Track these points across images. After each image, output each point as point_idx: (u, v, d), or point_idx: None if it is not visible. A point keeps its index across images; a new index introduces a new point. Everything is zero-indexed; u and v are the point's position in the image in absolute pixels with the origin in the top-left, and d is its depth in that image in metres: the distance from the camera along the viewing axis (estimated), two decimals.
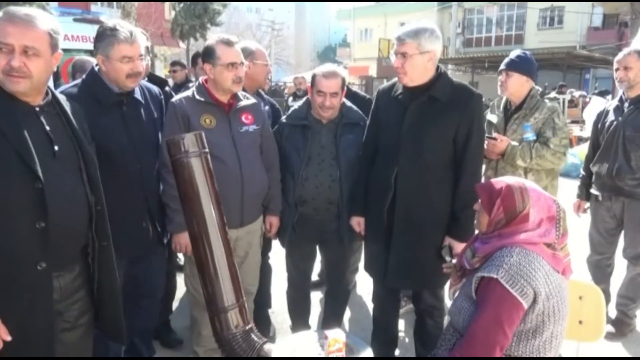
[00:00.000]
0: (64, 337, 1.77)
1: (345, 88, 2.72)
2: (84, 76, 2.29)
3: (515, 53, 2.99)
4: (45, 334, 1.63)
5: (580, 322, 2.01)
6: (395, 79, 2.53)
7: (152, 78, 3.07)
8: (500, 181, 1.81)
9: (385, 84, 2.68)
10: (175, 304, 3.30)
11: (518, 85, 2.91)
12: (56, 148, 1.64)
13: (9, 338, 1.52)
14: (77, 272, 1.77)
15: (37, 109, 1.65)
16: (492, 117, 3.12)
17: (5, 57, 1.53)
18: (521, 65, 2.90)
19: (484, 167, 3.07)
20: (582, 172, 3.44)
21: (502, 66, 2.97)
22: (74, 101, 1.89)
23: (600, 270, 3.35)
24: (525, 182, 1.79)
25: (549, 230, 1.72)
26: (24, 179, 1.53)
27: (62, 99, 1.77)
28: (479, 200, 1.85)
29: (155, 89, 2.53)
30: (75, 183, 1.68)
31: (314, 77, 2.64)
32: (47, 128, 1.64)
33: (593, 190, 3.30)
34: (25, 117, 1.60)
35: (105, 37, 2.13)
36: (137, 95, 2.33)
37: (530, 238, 1.69)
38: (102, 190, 1.78)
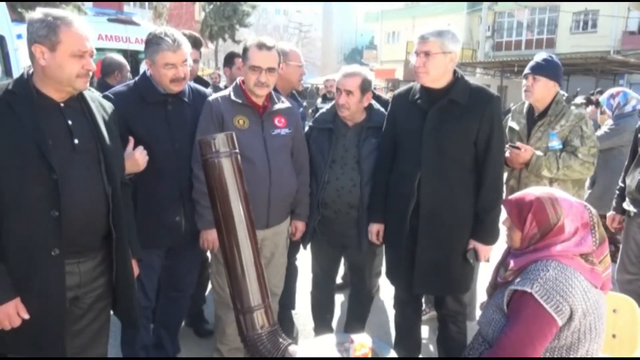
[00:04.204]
0: (78, 322, 1.87)
1: (370, 90, 2.68)
2: (136, 78, 2.43)
3: (541, 56, 2.85)
4: (56, 315, 1.73)
5: (614, 336, 1.95)
6: (412, 84, 2.51)
7: (197, 80, 3.14)
8: (528, 194, 1.73)
9: (401, 88, 2.65)
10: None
11: (545, 91, 2.78)
12: (76, 141, 1.73)
13: (27, 316, 1.64)
14: (99, 260, 1.87)
15: (62, 104, 1.74)
16: (513, 124, 2.99)
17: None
18: (549, 70, 2.77)
19: (505, 175, 2.99)
20: (620, 184, 3.23)
21: (527, 70, 2.83)
22: (118, 99, 2.07)
23: (634, 293, 2.99)
24: (554, 192, 1.73)
25: (584, 237, 1.65)
26: (41, 170, 1.63)
27: (89, 95, 1.86)
28: (507, 217, 1.78)
29: (207, 91, 2.63)
30: (93, 175, 1.77)
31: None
32: (69, 122, 1.74)
33: (625, 205, 3.09)
34: (48, 112, 1.70)
35: (151, 44, 2.26)
36: (185, 96, 2.42)
37: (566, 249, 1.63)
38: (119, 182, 1.88)
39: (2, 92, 1.65)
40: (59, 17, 1.66)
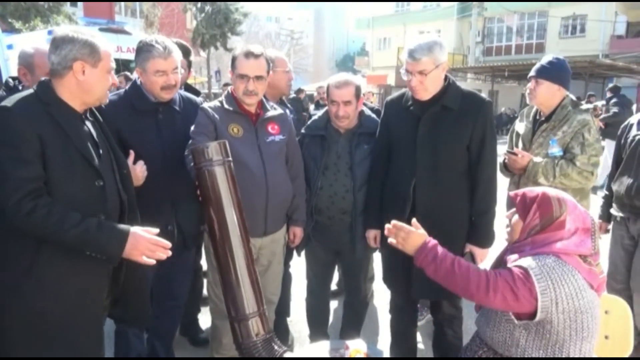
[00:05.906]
0: None
1: (362, 96, 2.71)
2: (127, 86, 2.42)
3: (547, 58, 2.75)
4: (96, 319, 1.80)
5: (606, 337, 1.96)
6: (404, 90, 2.53)
7: (187, 88, 3.13)
8: (537, 188, 1.79)
9: (394, 94, 2.66)
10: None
11: (548, 95, 2.70)
12: (100, 151, 1.79)
13: (156, 230, 1.73)
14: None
15: (83, 115, 1.80)
16: (520, 126, 2.94)
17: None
18: (553, 73, 2.68)
19: (507, 181, 2.99)
20: (605, 191, 3.15)
21: (532, 72, 2.75)
22: (109, 107, 2.08)
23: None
24: (562, 193, 1.76)
25: (584, 240, 1.68)
26: (87, 177, 1.70)
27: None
28: (513, 209, 1.81)
29: (197, 100, 2.63)
30: (113, 182, 1.83)
31: (327, 87, 2.65)
32: (94, 133, 1.81)
33: (613, 211, 2.99)
34: (77, 123, 1.75)
35: (142, 52, 2.27)
36: (175, 104, 2.43)
37: (565, 247, 1.65)
38: (133, 190, 1.92)
39: (37, 104, 1.66)
40: (95, 35, 1.74)
